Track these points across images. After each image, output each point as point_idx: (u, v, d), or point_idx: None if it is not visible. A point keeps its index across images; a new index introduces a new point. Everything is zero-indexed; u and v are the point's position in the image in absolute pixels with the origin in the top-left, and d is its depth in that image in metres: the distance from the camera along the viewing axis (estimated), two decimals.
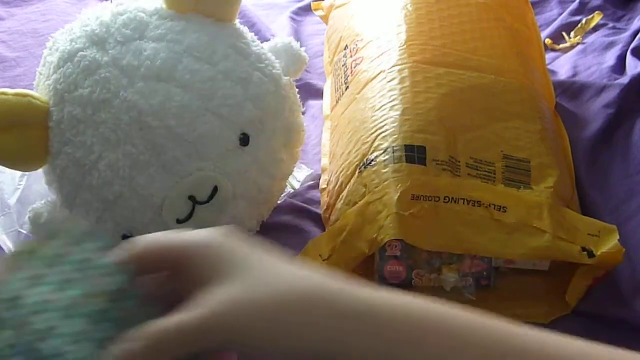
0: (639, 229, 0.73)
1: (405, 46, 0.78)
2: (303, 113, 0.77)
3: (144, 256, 0.41)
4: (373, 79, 0.78)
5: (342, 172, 0.74)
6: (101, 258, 0.41)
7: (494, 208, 0.66)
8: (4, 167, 0.71)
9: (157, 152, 0.61)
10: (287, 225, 0.77)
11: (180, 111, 0.61)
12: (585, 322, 0.66)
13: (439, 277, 0.68)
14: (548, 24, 1.08)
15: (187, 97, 0.61)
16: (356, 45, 0.86)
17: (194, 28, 0.64)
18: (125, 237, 0.64)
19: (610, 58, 0.97)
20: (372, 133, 0.72)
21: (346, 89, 0.83)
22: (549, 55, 1.00)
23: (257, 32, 1.03)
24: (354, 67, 0.83)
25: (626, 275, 0.69)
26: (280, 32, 1.09)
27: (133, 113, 0.60)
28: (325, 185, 0.79)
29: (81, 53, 0.62)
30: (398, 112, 0.72)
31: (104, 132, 0.60)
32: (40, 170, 0.67)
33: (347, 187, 0.72)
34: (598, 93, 0.89)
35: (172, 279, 0.41)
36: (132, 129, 0.60)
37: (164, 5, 0.66)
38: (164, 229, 0.62)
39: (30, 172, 0.77)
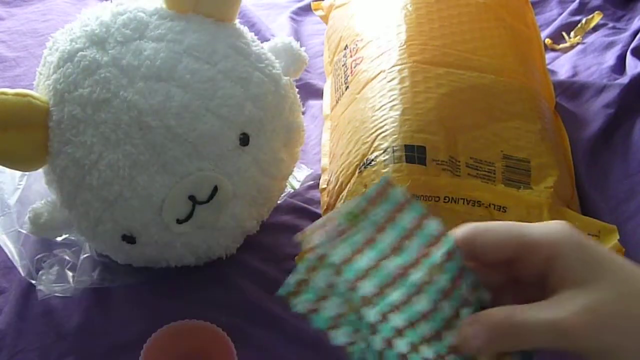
0: (639, 229, 0.73)
1: (405, 46, 0.78)
2: (303, 113, 0.77)
3: (473, 242, 0.40)
4: (373, 79, 0.78)
5: (342, 172, 0.74)
6: (428, 226, 0.40)
7: (494, 208, 0.66)
8: (4, 167, 0.72)
9: (157, 152, 0.61)
10: (287, 225, 0.78)
11: (180, 111, 0.61)
12: None
13: None
14: (548, 24, 1.09)
15: (187, 97, 0.61)
16: (356, 45, 0.86)
17: (194, 28, 0.64)
18: (125, 237, 0.64)
19: (610, 58, 0.97)
20: (372, 133, 0.72)
21: (346, 89, 0.83)
22: (549, 55, 1.01)
23: (257, 32, 1.03)
24: (354, 67, 0.83)
25: None
26: (280, 32, 1.09)
27: (133, 113, 0.60)
28: (325, 185, 0.79)
29: (81, 53, 0.62)
30: (398, 112, 0.72)
31: (104, 132, 0.60)
32: (40, 170, 0.67)
33: (347, 187, 0.72)
34: (598, 93, 0.89)
35: (495, 269, 0.40)
36: (132, 129, 0.60)
37: (164, 5, 0.66)
38: (164, 229, 0.63)
39: (30, 172, 0.77)
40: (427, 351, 0.38)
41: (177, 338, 0.62)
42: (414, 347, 0.38)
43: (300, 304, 0.39)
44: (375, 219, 0.40)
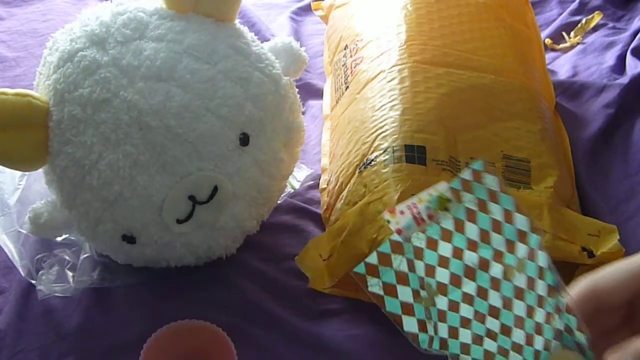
0: (639, 229, 0.73)
1: (405, 46, 0.78)
2: (303, 113, 0.77)
3: (593, 293, 0.40)
4: (373, 79, 0.78)
5: (342, 172, 0.74)
6: (516, 220, 0.40)
7: None
8: (4, 167, 0.71)
9: (157, 152, 0.61)
10: (287, 225, 0.78)
11: (180, 111, 0.61)
12: None
13: None
14: (548, 24, 1.09)
15: (187, 97, 0.61)
16: (356, 45, 0.86)
17: (194, 28, 0.64)
18: (125, 237, 0.64)
19: (610, 58, 0.97)
20: (372, 133, 0.72)
21: (346, 89, 0.83)
22: (549, 55, 1.01)
23: (257, 32, 1.03)
24: (354, 67, 0.83)
25: None
26: (280, 32, 1.09)
27: (133, 113, 0.60)
28: (325, 185, 0.79)
29: (81, 53, 0.62)
30: (398, 112, 0.72)
31: (104, 132, 0.60)
32: (40, 170, 0.67)
33: (347, 187, 0.72)
34: (598, 93, 0.89)
35: (612, 312, 0.41)
36: (132, 129, 0.60)
37: (164, 5, 0.66)
38: (164, 229, 0.63)
39: (30, 172, 0.77)
40: (490, 345, 0.38)
41: (177, 338, 0.62)
42: (478, 339, 0.38)
43: (377, 285, 0.38)
44: (467, 205, 0.39)
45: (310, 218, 0.78)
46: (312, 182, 0.83)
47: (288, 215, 0.79)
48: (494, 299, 0.39)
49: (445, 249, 0.39)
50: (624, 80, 0.90)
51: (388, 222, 0.39)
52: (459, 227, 0.39)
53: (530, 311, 0.39)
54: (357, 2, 0.94)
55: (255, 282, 0.71)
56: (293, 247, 0.74)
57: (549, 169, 0.71)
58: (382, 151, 0.69)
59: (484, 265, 0.39)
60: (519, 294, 0.39)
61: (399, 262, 0.38)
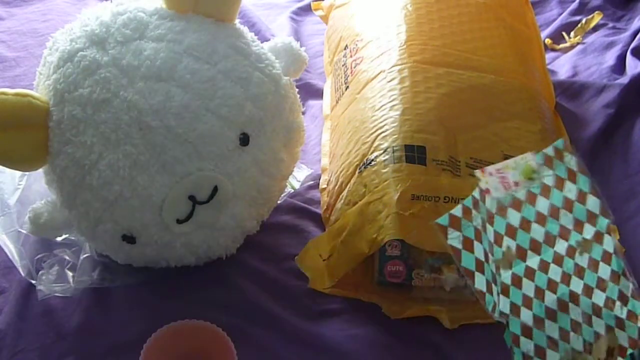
0: (639, 229, 0.73)
1: (405, 46, 0.78)
2: (303, 113, 0.77)
3: None
4: (373, 79, 0.78)
5: (342, 172, 0.74)
6: (589, 202, 0.40)
7: None
8: (4, 167, 0.72)
9: (157, 152, 0.61)
10: (287, 225, 0.78)
11: (181, 111, 0.61)
12: None
13: (439, 277, 0.68)
14: (548, 24, 1.09)
15: (187, 97, 0.61)
16: (356, 45, 0.86)
17: (194, 28, 0.64)
18: (125, 237, 0.64)
19: (610, 58, 0.97)
20: (372, 133, 0.72)
21: (346, 89, 0.83)
22: (549, 55, 1.01)
23: (257, 32, 1.03)
24: (354, 67, 0.83)
25: None
26: (280, 32, 1.09)
27: (133, 113, 0.60)
28: (325, 185, 0.79)
29: (81, 53, 0.62)
30: (398, 112, 0.72)
31: (104, 132, 0.60)
32: (40, 170, 0.67)
33: (347, 187, 0.72)
34: (598, 93, 0.90)
35: None
36: (132, 129, 0.60)
37: (164, 5, 0.66)
38: (164, 229, 0.63)
39: (30, 172, 0.77)
40: (550, 328, 0.39)
41: (177, 338, 0.62)
42: (539, 322, 0.39)
43: (457, 238, 0.39)
44: (544, 180, 0.40)
45: (310, 218, 0.78)
46: (312, 182, 0.83)
47: (288, 215, 0.79)
48: (554, 272, 0.40)
49: (514, 217, 0.40)
50: (624, 80, 0.90)
51: (478, 180, 0.40)
52: (531, 199, 0.40)
53: (587, 290, 0.40)
54: (357, 2, 0.94)
55: (255, 282, 0.71)
56: (293, 247, 0.74)
57: None
58: (382, 151, 0.69)
59: (550, 240, 0.40)
60: (579, 271, 0.40)
61: (478, 220, 0.40)
